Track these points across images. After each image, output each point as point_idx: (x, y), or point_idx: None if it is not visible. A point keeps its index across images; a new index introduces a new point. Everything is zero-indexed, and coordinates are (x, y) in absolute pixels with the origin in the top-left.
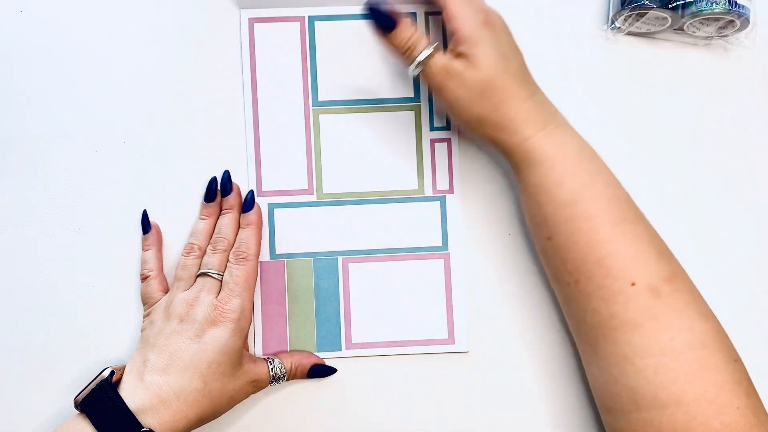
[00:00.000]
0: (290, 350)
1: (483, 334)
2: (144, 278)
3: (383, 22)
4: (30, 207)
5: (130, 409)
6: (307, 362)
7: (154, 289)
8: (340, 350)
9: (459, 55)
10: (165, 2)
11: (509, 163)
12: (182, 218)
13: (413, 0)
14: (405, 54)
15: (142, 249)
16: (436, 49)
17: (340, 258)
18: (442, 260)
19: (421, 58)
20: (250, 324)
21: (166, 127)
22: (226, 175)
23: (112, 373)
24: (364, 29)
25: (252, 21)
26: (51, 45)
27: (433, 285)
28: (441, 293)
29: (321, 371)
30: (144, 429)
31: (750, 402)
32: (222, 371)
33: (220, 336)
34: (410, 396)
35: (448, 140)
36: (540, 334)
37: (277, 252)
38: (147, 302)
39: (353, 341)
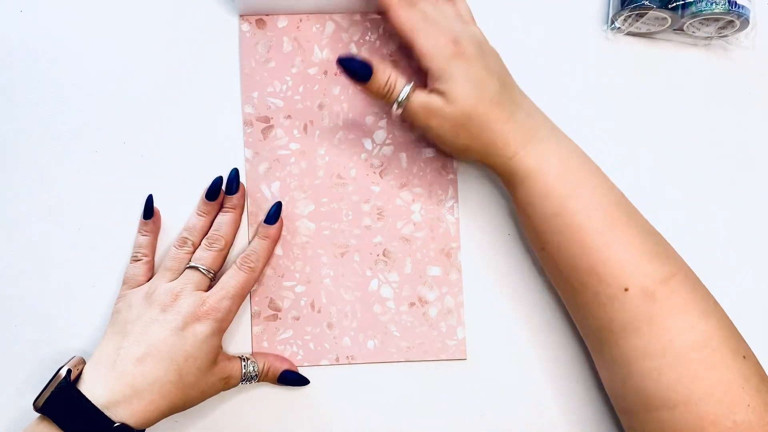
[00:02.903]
0: (266, 352)
1: (481, 340)
2: (135, 260)
3: (359, 71)
4: (30, 207)
5: (100, 402)
6: (280, 366)
7: (140, 272)
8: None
9: (434, 91)
10: (165, 6)
11: (500, 180)
12: (181, 218)
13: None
14: (385, 98)
15: (139, 233)
16: (413, 88)
17: None
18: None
19: (400, 98)
20: (229, 325)
21: (165, 127)
22: (234, 173)
23: (69, 371)
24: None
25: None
26: (51, 45)
27: None
28: None
29: (292, 379)
30: (116, 424)
31: (761, 398)
32: (198, 366)
33: (201, 332)
34: (405, 404)
35: None
36: (539, 340)
37: None
38: (128, 282)
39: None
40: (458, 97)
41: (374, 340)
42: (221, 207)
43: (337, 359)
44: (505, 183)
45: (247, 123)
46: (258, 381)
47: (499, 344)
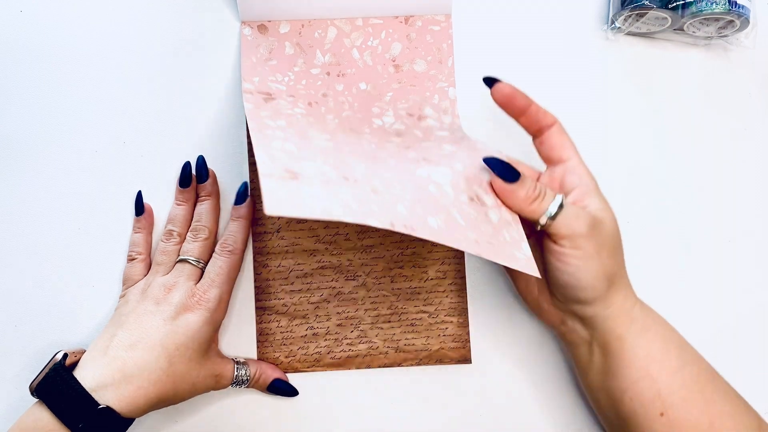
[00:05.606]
0: (258, 359)
1: (486, 343)
2: (131, 260)
3: (508, 173)
4: (30, 207)
5: (89, 385)
6: (271, 374)
7: (137, 271)
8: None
9: (585, 208)
10: (167, 10)
11: (602, 338)
12: None
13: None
14: (532, 206)
15: (133, 231)
16: (566, 199)
17: None
18: None
19: (553, 208)
20: (224, 316)
21: (165, 128)
22: (201, 161)
23: (65, 355)
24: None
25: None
26: (51, 45)
27: None
28: None
29: (282, 389)
30: (101, 406)
31: None
32: (189, 356)
33: (193, 322)
34: (410, 408)
35: None
36: (543, 343)
37: None
38: (126, 283)
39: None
40: (612, 219)
41: (436, 218)
42: (198, 195)
43: (392, 225)
44: (619, 337)
45: (247, 97)
46: (248, 387)
47: (503, 347)
